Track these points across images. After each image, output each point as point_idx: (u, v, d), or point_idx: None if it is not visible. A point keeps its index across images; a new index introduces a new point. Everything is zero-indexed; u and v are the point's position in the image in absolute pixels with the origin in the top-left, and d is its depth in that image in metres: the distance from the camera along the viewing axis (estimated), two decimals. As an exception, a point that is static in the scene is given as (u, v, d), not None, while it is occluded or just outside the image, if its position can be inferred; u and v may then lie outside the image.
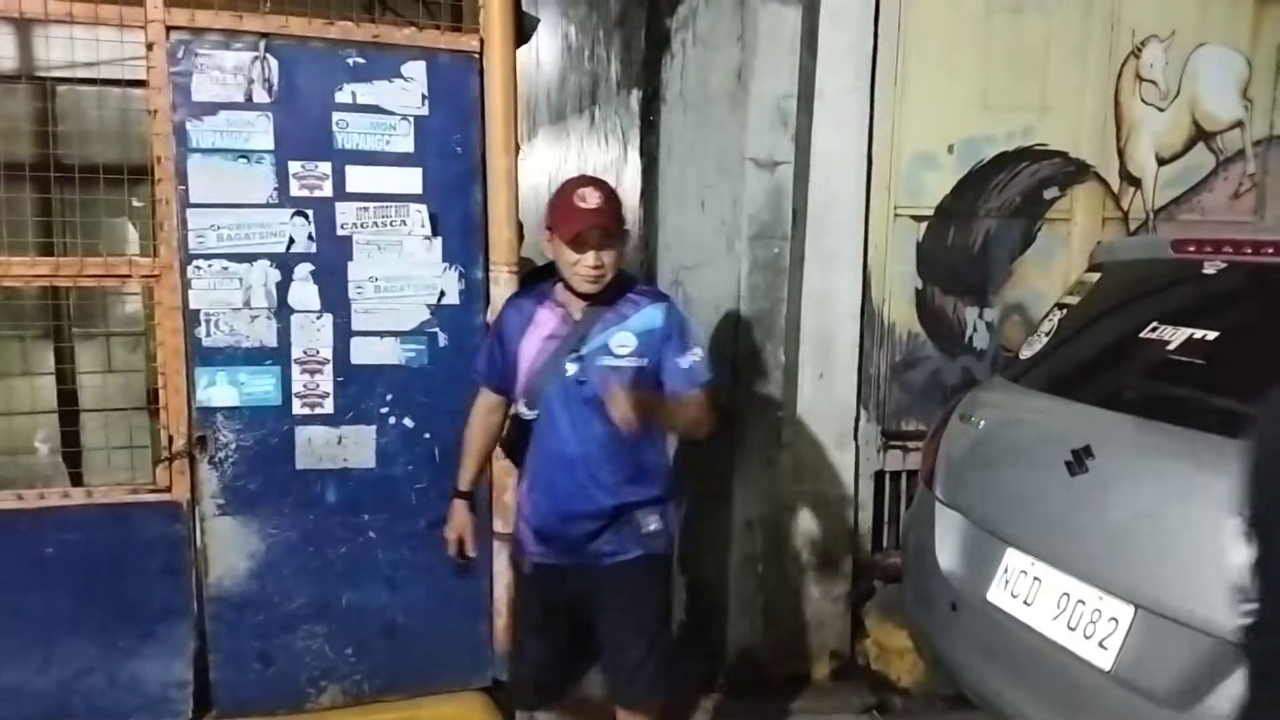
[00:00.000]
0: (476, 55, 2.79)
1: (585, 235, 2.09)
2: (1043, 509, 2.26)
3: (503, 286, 2.84)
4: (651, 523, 2.25)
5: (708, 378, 2.26)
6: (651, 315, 2.23)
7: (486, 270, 2.86)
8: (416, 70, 2.75)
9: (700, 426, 2.27)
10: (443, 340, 2.86)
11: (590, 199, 2.10)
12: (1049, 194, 3.60)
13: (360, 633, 2.89)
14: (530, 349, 2.24)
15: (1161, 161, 3.71)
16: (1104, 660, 1.96)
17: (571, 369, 2.18)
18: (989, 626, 2.32)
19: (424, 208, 2.80)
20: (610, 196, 2.15)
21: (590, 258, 2.10)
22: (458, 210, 2.83)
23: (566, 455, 2.20)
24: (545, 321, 2.24)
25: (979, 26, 3.44)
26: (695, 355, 2.24)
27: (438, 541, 2.88)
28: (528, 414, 2.27)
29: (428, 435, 2.87)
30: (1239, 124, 3.76)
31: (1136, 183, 3.70)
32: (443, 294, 2.84)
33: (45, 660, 2.68)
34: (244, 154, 2.66)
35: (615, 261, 2.16)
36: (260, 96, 2.66)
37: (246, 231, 2.68)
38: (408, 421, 2.85)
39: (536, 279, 2.56)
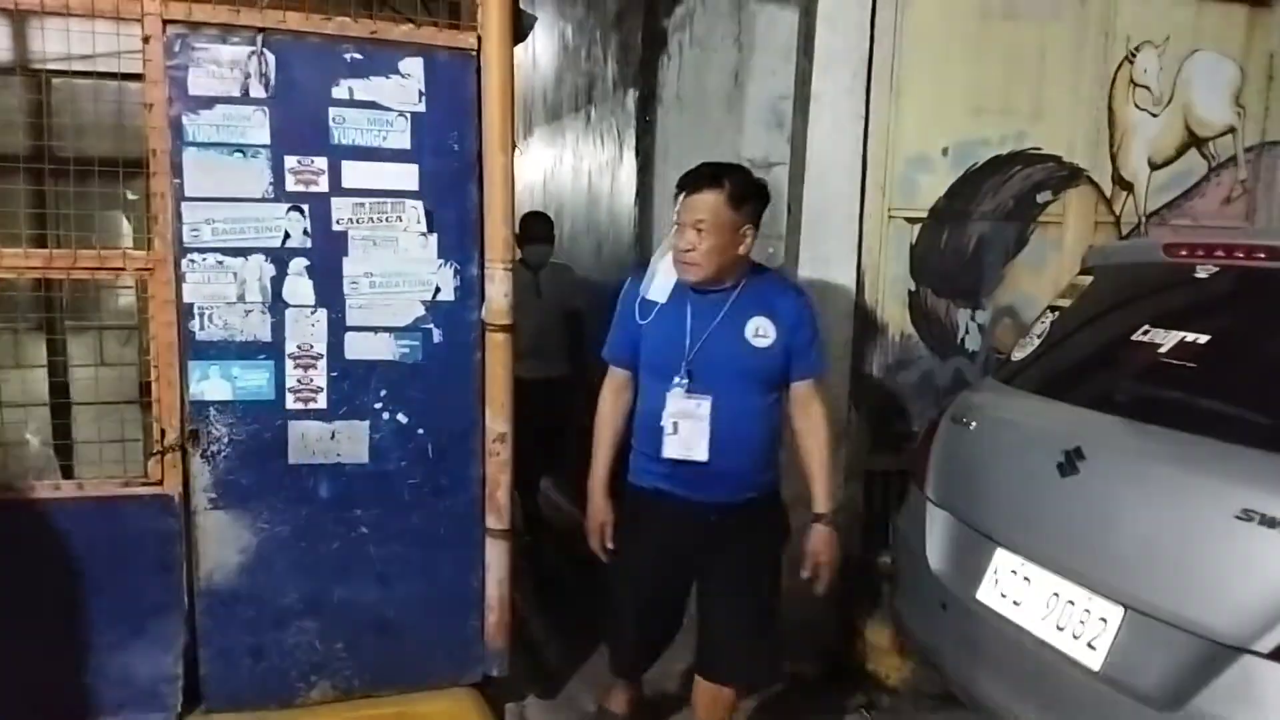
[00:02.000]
0: (474, 53, 2.79)
1: None
2: (1033, 510, 2.28)
3: (498, 283, 2.85)
4: None
5: None
6: None
7: (482, 267, 2.86)
8: (414, 67, 2.75)
9: None
10: (437, 336, 2.85)
11: None
12: (1041, 198, 3.63)
13: (352, 628, 2.89)
14: None
15: (1154, 166, 3.74)
16: (1093, 660, 1.98)
17: None
18: (978, 626, 2.33)
19: (420, 204, 2.79)
20: None
21: None
22: (454, 207, 2.83)
23: None
24: None
25: (974, 31, 3.46)
26: None
27: (430, 537, 2.91)
28: None
29: (421, 431, 2.87)
30: (1231, 130, 3.79)
31: (1129, 187, 3.73)
32: (438, 290, 2.84)
33: (34, 653, 2.67)
34: (240, 148, 2.65)
35: None
36: (257, 91, 2.65)
37: (241, 226, 2.67)
38: (402, 417, 2.85)
39: None
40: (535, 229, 4.70)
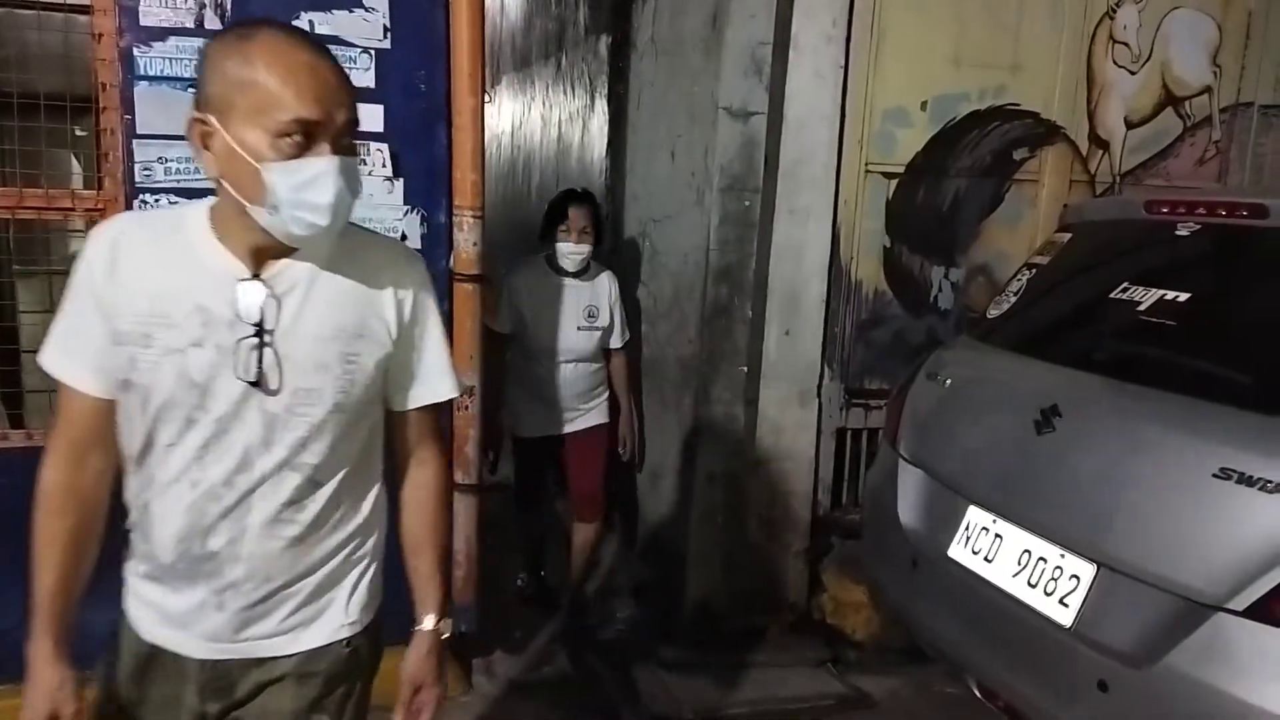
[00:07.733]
0: (442, -12, 2.67)
1: None
2: (1007, 467, 2.26)
3: (466, 232, 2.76)
4: None
5: None
6: None
7: (450, 214, 2.77)
8: (378, 0, 2.63)
9: None
10: (403, 286, 2.77)
11: None
12: (1019, 155, 3.59)
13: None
14: None
15: (1130, 125, 3.72)
16: (1064, 617, 1.98)
17: None
18: (949, 582, 2.33)
19: (385, 147, 2.68)
20: None
21: None
22: (421, 151, 2.72)
23: None
24: None
25: (956, -20, 3.39)
26: None
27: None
28: None
29: (386, 383, 2.79)
30: (1207, 90, 3.77)
31: (1105, 146, 3.70)
32: (404, 238, 2.74)
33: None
34: (194, 83, 2.52)
35: None
36: (212, 22, 2.52)
37: (197, 165, 2.55)
38: (366, 369, 2.77)
39: None
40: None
